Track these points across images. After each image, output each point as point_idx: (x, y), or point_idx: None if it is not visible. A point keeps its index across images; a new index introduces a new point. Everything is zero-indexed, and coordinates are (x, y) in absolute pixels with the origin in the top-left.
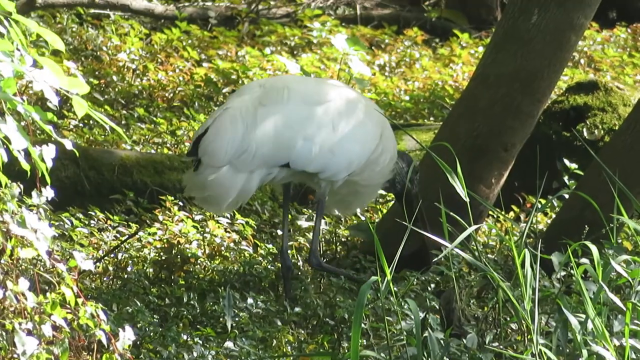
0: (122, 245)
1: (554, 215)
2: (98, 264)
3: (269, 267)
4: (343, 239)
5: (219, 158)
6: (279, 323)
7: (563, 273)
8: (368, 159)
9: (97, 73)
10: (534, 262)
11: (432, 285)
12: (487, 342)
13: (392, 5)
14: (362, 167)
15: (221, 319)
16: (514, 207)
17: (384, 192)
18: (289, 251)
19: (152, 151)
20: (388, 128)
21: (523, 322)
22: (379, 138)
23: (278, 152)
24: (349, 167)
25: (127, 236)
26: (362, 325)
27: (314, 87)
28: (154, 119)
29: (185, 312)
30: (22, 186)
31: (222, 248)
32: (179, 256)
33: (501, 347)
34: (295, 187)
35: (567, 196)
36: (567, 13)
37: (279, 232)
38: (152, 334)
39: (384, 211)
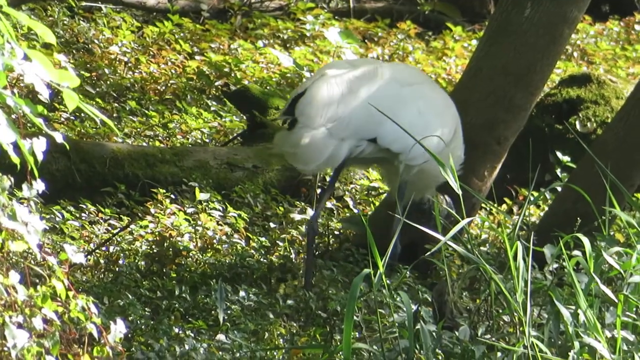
0: (114, 238)
1: (546, 208)
2: (89, 257)
3: (261, 260)
4: (336, 232)
5: (315, 120)
6: (271, 316)
7: (555, 265)
8: (444, 145)
9: (88, 66)
10: (526, 255)
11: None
12: (479, 334)
13: None
14: (441, 153)
15: (213, 312)
16: (506, 199)
17: (376, 185)
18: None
19: (144, 144)
20: (460, 125)
21: (515, 314)
22: (456, 127)
23: (368, 126)
24: (426, 153)
25: (118, 229)
26: (355, 317)
27: (403, 70)
28: (146, 111)
29: (177, 305)
30: (12, 179)
31: (214, 241)
32: (170, 249)
33: (493, 339)
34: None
35: (559, 189)
36: (560, 6)
37: (272, 225)
38: (143, 327)
39: (377, 204)
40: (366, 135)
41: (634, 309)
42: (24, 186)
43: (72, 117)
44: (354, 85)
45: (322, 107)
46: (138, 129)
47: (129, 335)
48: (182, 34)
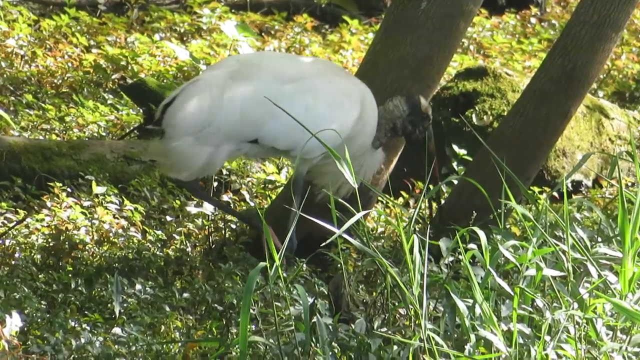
0: (10, 231)
1: (442, 202)
2: None
3: (158, 253)
4: (232, 225)
5: (181, 130)
6: (167, 309)
7: (451, 258)
8: (347, 136)
9: None
10: (422, 248)
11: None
12: (375, 328)
13: None
14: (340, 144)
15: (109, 305)
16: (403, 193)
17: (273, 178)
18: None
19: (41, 137)
20: (370, 101)
21: (411, 307)
22: (359, 115)
23: (245, 128)
24: (320, 147)
25: (14, 222)
26: (251, 310)
27: (290, 64)
28: (43, 105)
29: (72, 298)
30: None
31: (111, 234)
32: (66, 242)
33: (389, 332)
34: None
35: (456, 182)
36: None
37: (168, 218)
38: (39, 320)
39: (273, 197)
40: (245, 137)
41: (530, 302)
42: None
43: None
44: (228, 88)
45: (190, 115)
46: (34, 123)
47: (25, 329)
48: (78, 27)
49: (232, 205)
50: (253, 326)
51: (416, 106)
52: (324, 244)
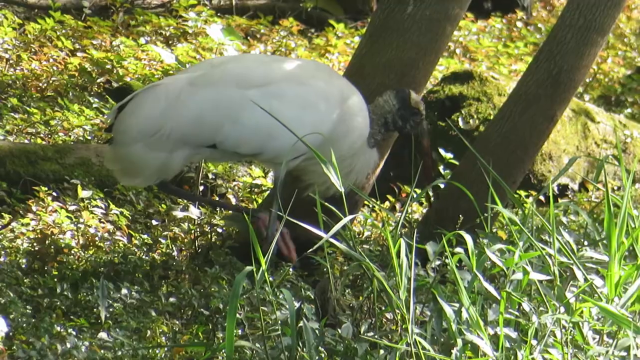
0: None
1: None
2: None
3: (144, 257)
4: (219, 229)
5: (130, 136)
6: (153, 314)
7: (438, 262)
8: (330, 138)
9: None
10: (409, 252)
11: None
12: (362, 332)
13: None
14: (323, 147)
15: (95, 310)
16: (389, 197)
17: (259, 182)
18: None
19: (26, 141)
20: (356, 102)
21: (398, 311)
22: (339, 117)
23: (199, 133)
24: (297, 150)
25: None
26: (237, 315)
27: (257, 68)
28: (28, 109)
29: (58, 303)
30: None
31: (96, 238)
32: (52, 247)
33: (376, 336)
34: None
35: (442, 186)
36: (442, 3)
37: (154, 222)
38: (25, 325)
39: (260, 201)
40: (201, 142)
41: (517, 306)
42: None
43: None
44: (184, 93)
45: (139, 121)
46: (20, 126)
47: (10, 334)
48: (63, 31)
49: (218, 209)
50: (239, 331)
51: (405, 100)
52: (311, 249)
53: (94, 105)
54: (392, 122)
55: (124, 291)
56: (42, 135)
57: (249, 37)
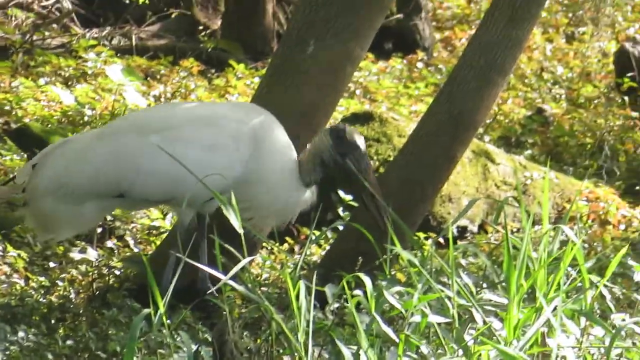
0: None
1: (327, 247)
2: None
3: (41, 299)
4: (116, 271)
5: (40, 191)
6: (50, 356)
7: (337, 305)
8: (245, 179)
9: None
10: (308, 294)
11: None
12: None
13: (167, 36)
14: (241, 188)
15: None
16: (288, 238)
17: (157, 224)
18: None
19: None
20: (273, 137)
21: (296, 354)
22: (251, 154)
23: (104, 186)
24: (205, 194)
25: None
26: (135, 358)
27: (160, 113)
28: None
29: None
30: None
31: None
32: None
33: None
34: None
35: (341, 227)
36: (343, 44)
37: (52, 265)
38: None
39: (158, 243)
40: (107, 193)
41: (415, 349)
42: None
43: None
44: (89, 146)
45: (46, 175)
46: None
47: None
48: None
49: (116, 251)
50: None
51: (340, 136)
52: (209, 291)
53: None
54: (330, 159)
55: (21, 334)
56: None
57: (149, 78)
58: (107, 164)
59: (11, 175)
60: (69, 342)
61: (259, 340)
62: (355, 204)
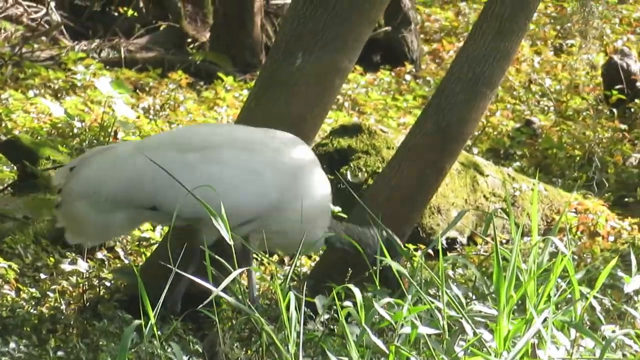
0: None
1: (317, 258)
2: None
3: (32, 311)
4: (107, 283)
5: (75, 194)
6: None
7: (327, 316)
8: (274, 207)
9: None
10: (298, 305)
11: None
12: None
13: (156, 49)
14: (266, 215)
15: None
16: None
17: (147, 235)
18: None
19: None
20: (309, 176)
21: None
22: (285, 187)
23: (136, 196)
24: (236, 217)
25: None
26: None
27: (203, 134)
28: None
29: None
30: None
31: None
32: None
33: None
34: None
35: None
36: (331, 56)
37: (42, 276)
38: None
39: (148, 254)
40: (140, 204)
41: None
42: None
43: None
44: (128, 157)
45: (82, 180)
46: None
47: None
48: None
49: (106, 262)
50: None
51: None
52: (202, 304)
53: None
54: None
55: (12, 345)
56: None
57: (138, 90)
58: (144, 176)
59: (1, 187)
60: (60, 353)
61: (249, 352)
62: (345, 216)
